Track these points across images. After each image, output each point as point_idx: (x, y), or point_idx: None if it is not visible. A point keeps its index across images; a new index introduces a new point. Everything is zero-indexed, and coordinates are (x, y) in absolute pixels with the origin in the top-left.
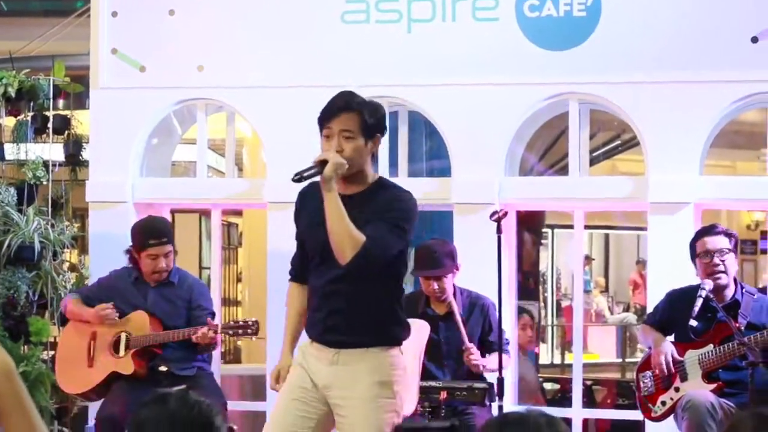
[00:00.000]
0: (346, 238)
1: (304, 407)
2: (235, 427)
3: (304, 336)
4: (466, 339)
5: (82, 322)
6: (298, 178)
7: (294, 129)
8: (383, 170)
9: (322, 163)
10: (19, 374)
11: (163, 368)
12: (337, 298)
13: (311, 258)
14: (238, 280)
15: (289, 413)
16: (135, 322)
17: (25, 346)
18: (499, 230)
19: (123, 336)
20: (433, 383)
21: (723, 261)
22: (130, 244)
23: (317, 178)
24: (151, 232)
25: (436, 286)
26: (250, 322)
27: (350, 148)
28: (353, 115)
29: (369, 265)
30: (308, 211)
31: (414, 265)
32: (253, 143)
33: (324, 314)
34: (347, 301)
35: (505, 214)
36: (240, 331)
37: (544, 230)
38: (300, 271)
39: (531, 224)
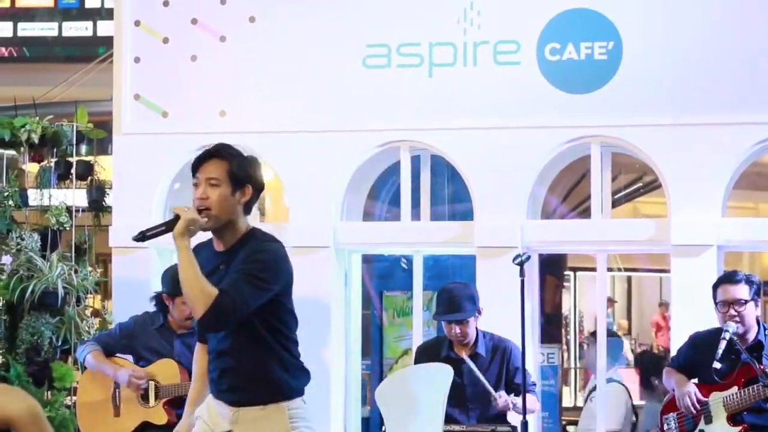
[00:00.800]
0: (197, 293)
1: None
2: None
3: None
4: (489, 386)
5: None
6: (140, 237)
7: (316, 173)
8: (405, 214)
9: (173, 220)
10: (46, 418)
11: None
12: (225, 358)
13: None
14: None
15: None
16: (163, 371)
17: (49, 392)
18: (522, 274)
19: (152, 385)
20: (456, 427)
21: (740, 312)
22: (162, 289)
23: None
24: None
25: (458, 331)
26: None
27: (215, 196)
28: (221, 163)
29: (221, 319)
30: (203, 266)
31: (435, 310)
32: (275, 188)
33: (216, 374)
34: (234, 359)
35: (528, 257)
36: None
37: (566, 273)
38: (203, 332)
39: (553, 267)
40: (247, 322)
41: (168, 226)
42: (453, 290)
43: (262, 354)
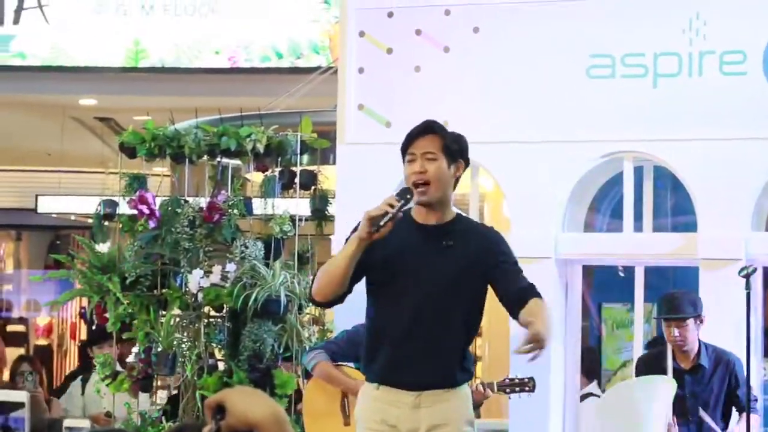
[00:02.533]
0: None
1: None
2: None
3: None
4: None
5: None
6: (377, 229)
7: (538, 184)
8: (628, 225)
9: (406, 197)
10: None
11: None
12: (422, 338)
13: (388, 285)
14: (479, 335)
15: None
16: None
17: None
18: (747, 286)
19: None
20: None
21: None
22: None
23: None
24: None
25: (677, 333)
26: (526, 379)
27: (433, 169)
28: (435, 138)
29: None
30: (401, 238)
31: (657, 311)
32: (495, 198)
33: (403, 355)
34: (436, 340)
35: (755, 270)
36: (517, 389)
37: None
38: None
39: None
40: (470, 304)
41: (402, 206)
42: (675, 293)
43: (463, 336)
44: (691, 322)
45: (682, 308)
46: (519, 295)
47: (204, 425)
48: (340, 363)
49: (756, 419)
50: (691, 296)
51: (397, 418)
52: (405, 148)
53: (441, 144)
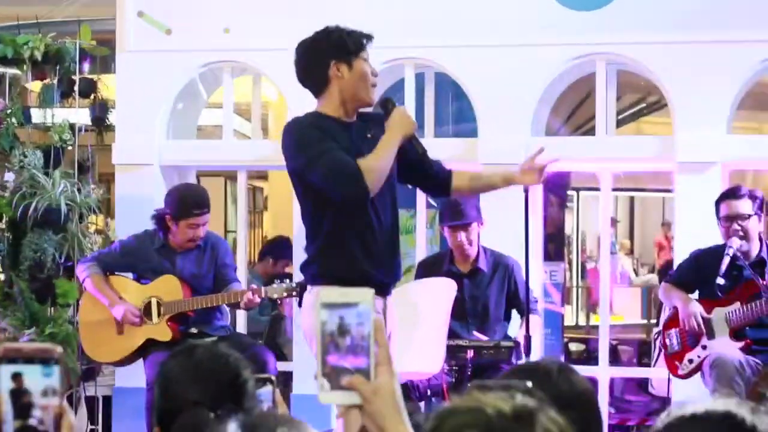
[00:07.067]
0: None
1: None
2: (273, 378)
3: None
4: None
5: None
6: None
7: None
8: None
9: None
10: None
11: (194, 330)
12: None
13: None
14: None
15: None
16: (165, 287)
17: (52, 308)
18: (525, 189)
19: (154, 301)
20: (460, 342)
21: (743, 225)
22: (167, 210)
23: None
24: (196, 202)
25: (463, 238)
26: (294, 284)
27: None
28: None
29: None
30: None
31: (440, 219)
32: (279, 107)
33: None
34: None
35: None
36: (285, 294)
37: (569, 193)
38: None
39: (556, 187)
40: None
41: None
42: (457, 199)
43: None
44: (475, 225)
45: (467, 213)
46: None
47: None
48: (118, 273)
49: (537, 320)
50: (473, 200)
51: None
52: (359, 49)
53: None
